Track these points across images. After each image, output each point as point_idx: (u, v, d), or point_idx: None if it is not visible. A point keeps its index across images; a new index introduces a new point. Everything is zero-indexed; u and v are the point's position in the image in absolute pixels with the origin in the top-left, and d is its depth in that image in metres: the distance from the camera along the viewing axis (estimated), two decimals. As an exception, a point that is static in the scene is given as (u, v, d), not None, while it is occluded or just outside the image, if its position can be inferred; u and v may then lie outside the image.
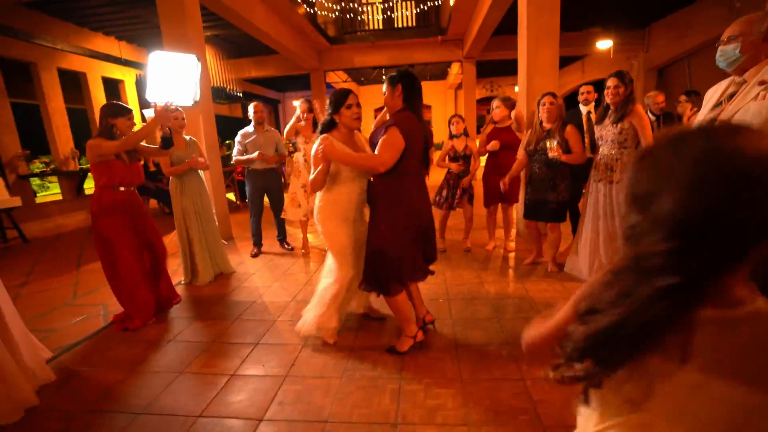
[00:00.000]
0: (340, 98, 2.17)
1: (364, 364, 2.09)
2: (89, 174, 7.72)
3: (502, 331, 2.37)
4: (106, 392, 1.99)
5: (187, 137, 3.38)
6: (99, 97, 7.34)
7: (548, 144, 2.83)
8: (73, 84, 7.08)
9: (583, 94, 3.67)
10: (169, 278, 3.02)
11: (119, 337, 2.57)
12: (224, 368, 2.14)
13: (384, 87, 2.07)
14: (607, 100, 2.82)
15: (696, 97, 4.03)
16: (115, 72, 7.76)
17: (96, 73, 7.33)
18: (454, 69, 13.36)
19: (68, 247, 5.17)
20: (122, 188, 2.59)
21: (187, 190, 3.28)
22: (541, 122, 3.08)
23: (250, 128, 4.01)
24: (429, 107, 16.12)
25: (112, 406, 1.89)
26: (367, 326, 2.53)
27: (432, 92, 15.43)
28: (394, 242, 2.02)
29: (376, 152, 2.00)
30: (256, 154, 3.83)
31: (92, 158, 2.48)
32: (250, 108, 3.97)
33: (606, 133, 2.84)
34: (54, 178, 13.42)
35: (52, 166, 6.83)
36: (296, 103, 3.94)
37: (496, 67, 12.11)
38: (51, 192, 12.70)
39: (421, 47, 9.89)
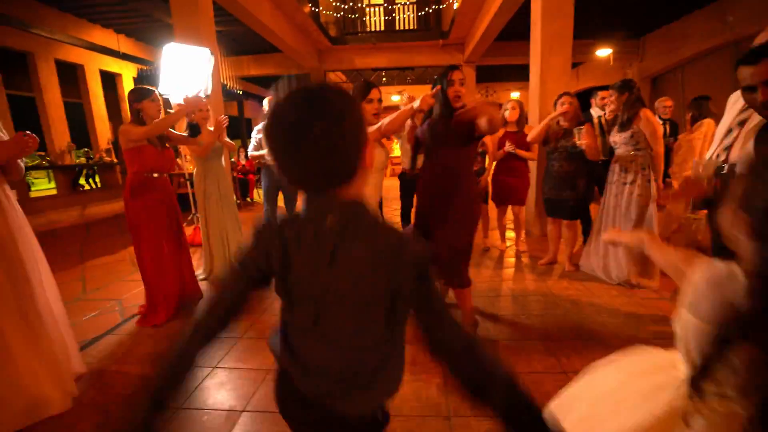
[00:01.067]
0: (364, 90, 2.12)
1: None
2: (84, 170, 7.52)
3: (534, 327, 2.40)
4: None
5: (211, 128, 3.34)
6: (96, 91, 7.16)
7: (576, 132, 2.91)
8: (70, 77, 6.89)
9: (604, 98, 3.77)
10: (194, 272, 2.96)
11: (142, 332, 2.51)
12: (259, 363, 2.10)
13: (462, 78, 2.10)
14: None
15: (698, 102, 4.07)
16: (113, 65, 7.58)
17: (94, 65, 7.15)
18: (452, 73, 13.45)
19: (66, 243, 5.00)
20: (155, 174, 2.58)
21: (211, 174, 3.24)
22: (558, 122, 3.16)
23: None
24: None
25: (149, 401, 1.84)
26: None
27: (428, 96, 15.56)
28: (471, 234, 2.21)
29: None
30: None
31: (123, 144, 2.48)
32: (266, 102, 3.94)
33: (617, 138, 2.94)
34: (40, 173, 13.00)
35: (47, 159, 6.61)
36: None
37: (492, 73, 12.26)
38: (37, 188, 12.29)
39: (421, 50, 9.96)
